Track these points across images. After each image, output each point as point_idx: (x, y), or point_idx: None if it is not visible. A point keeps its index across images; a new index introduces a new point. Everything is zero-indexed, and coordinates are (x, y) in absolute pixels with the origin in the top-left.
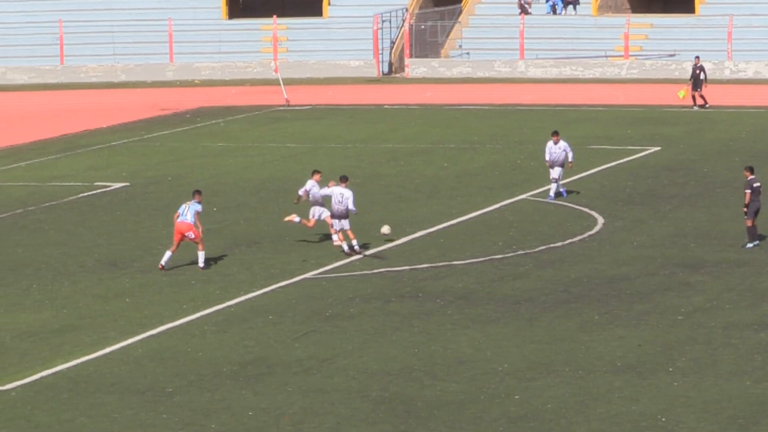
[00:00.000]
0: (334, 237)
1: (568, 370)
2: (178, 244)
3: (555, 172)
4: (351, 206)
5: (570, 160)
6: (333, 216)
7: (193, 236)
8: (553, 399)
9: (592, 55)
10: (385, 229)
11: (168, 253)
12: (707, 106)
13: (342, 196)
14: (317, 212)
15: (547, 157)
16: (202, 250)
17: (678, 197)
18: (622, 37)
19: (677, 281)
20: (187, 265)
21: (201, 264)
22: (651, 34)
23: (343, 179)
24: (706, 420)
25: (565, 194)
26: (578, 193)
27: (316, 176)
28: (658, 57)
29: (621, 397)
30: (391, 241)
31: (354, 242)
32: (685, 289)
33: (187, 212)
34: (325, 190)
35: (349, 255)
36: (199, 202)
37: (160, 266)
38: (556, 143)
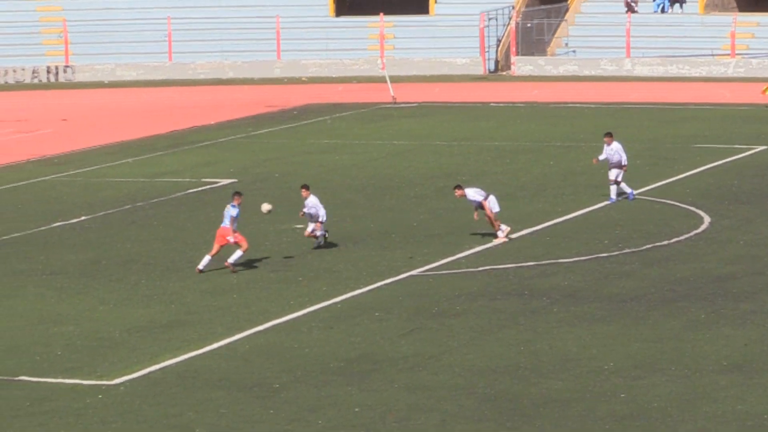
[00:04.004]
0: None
1: (674, 369)
2: (219, 248)
3: (612, 174)
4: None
5: (623, 163)
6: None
7: (233, 240)
8: (658, 398)
9: (698, 53)
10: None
11: (207, 257)
12: None
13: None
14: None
15: (601, 158)
16: (243, 251)
17: None
18: (729, 36)
19: None
20: (290, 259)
21: (231, 260)
22: (758, 32)
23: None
24: None
25: (631, 196)
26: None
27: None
28: (765, 56)
29: (727, 396)
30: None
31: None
32: None
33: (225, 217)
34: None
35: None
36: (237, 205)
37: (198, 270)
38: (608, 144)
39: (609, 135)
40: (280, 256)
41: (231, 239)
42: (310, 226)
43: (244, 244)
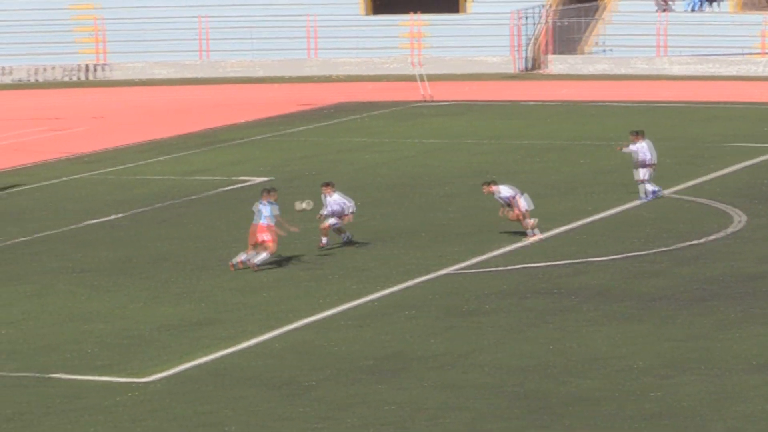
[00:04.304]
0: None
1: (704, 368)
2: (254, 247)
3: (640, 173)
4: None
5: (652, 161)
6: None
7: (266, 239)
8: (689, 397)
9: (731, 52)
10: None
11: (243, 255)
12: None
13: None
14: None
15: (626, 150)
16: (270, 253)
17: None
18: (761, 35)
19: None
20: (321, 257)
21: (257, 261)
22: None
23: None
24: None
25: (654, 195)
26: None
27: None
28: None
29: (757, 396)
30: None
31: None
32: None
33: (263, 214)
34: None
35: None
36: (273, 202)
37: (231, 265)
38: (634, 143)
39: (633, 134)
40: (311, 255)
41: (265, 237)
42: (331, 220)
43: (272, 247)
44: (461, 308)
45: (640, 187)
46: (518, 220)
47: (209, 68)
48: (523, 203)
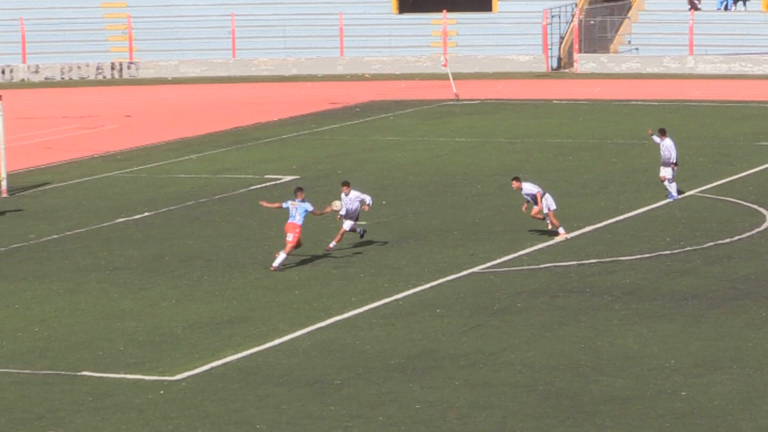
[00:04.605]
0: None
1: (735, 367)
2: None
3: (664, 172)
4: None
5: (673, 160)
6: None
7: (291, 239)
8: (719, 396)
9: (761, 51)
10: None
11: (283, 255)
12: None
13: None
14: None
15: (655, 137)
16: (287, 253)
17: None
18: None
19: None
20: (352, 256)
21: (276, 264)
22: None
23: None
24: None
25: (671, 197)
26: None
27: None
28: None
29: None
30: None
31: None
32: None
33: (297, 213)
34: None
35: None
36: (304, 200)
37: (273, 268)
38: (660, 141)
39: (661, 132)
40: (342, 253)
41: (290, 237)
42: (348, 224)
43: (288, 246)
44: (492, 307)
45: (665, 184)
46: (539, 217)
47: (239, 66)
48: (547, 202)
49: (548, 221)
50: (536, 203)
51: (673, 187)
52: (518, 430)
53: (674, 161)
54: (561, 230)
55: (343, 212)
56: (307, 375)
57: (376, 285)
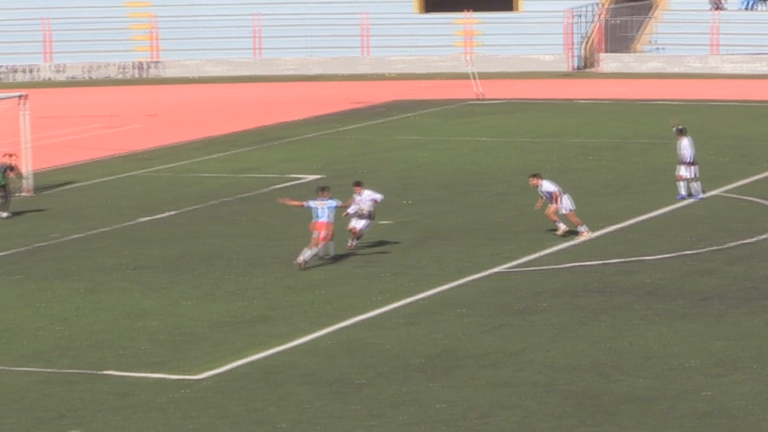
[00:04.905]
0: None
1: (757, 367)
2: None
3: (685, 171)
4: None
5: (690, 159)
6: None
7: (325, 235)
8: (741, 396)
9: None
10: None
11: (309, 251)
12: None
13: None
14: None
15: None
16: (310, 248)
17: None
18: None
19: None
20: (374, 255)
21: (302, 258)
22: None
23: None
24: None
25: (682, 196)
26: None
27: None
28: None
29: None
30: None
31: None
32: None
33: (325, 212)
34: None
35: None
36: (329, 198)
37: (301, 262)
38: (679, 140)
39: (678, 131)
40: (364, 252)
41: (324, 234)
42: (362, 223)
43: (319, 242)
44: (514, 306)
45: (693, 185)
46: (554, 218)
47: (263, 66)
48: (565, 203)
49: (559, 225)
50: (553, 202)
51: (695, 187)
52: (539, 430)
53: (688, 160)
54: (583, 228)
55: (352, 210)
56: (328, 374)
57: (399, 284)
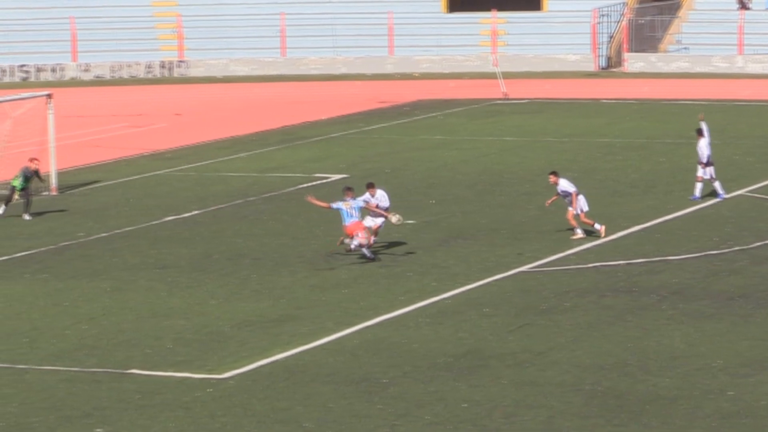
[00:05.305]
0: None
1: None
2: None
3: (704, 172)
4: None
5: (704, 160)
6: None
7: (366, 235)
8: (766, 396)
9: None
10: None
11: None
12: None
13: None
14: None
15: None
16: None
17: None
18: None
19: None
20: (399, 255)
21: (354, 244)
22: None
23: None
24: None
25: (694, 198)
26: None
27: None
28: None
29: None
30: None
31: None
32: None
33: (355, 213)
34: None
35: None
36: (354, 198)
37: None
38: (697, 140)
39: (697, 132)
40: (389, 252)
41: (360, 235)
42: (379, 220)
43: (369, 236)
44: (539, 306)
45: (715, 184)
46: (573, 223)
47: (289, 65)
48: (580, 204)
49: (576, 231)
50: (571, 204)
51: (719, 186)
52: (564, 430)
53: (703, 161)
54: (597, 226)
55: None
56: (354, 374)
57: (424, 284)
